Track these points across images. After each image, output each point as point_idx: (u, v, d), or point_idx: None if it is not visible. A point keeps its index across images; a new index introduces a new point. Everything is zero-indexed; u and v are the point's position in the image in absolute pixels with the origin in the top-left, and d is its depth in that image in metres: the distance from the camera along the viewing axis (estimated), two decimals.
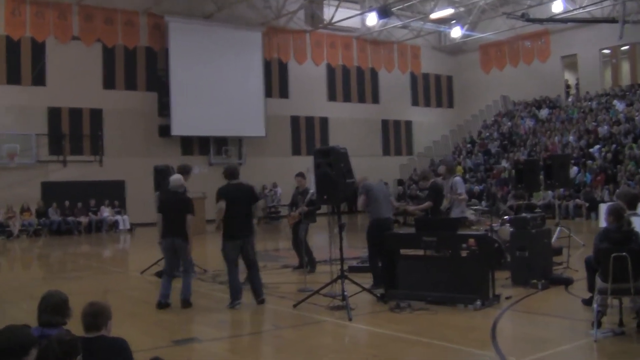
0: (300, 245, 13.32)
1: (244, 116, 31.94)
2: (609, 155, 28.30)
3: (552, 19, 31.85)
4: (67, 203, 27.29)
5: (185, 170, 13.08)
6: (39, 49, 28.09)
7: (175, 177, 10.76)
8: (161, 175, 13.75)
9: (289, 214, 14.21)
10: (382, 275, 10.62)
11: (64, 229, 26.74)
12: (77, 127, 28.93)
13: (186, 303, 10.09)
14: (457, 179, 12.22)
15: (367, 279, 10.82)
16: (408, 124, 39.79)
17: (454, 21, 37.72)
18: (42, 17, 28.15)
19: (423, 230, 10.14)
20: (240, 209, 10.01)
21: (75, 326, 4.69)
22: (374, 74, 38.49)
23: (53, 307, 4.79)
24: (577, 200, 26.24)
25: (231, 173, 10.31)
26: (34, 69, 27.89)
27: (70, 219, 27.05)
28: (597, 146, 29.59)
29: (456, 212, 11.99)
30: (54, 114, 28.38)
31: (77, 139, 28.84)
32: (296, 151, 34.97)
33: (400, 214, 25.19)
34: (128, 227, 28.09)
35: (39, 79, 28.03)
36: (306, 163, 31.20)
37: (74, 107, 28.85)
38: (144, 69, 30.72)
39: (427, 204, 12.28)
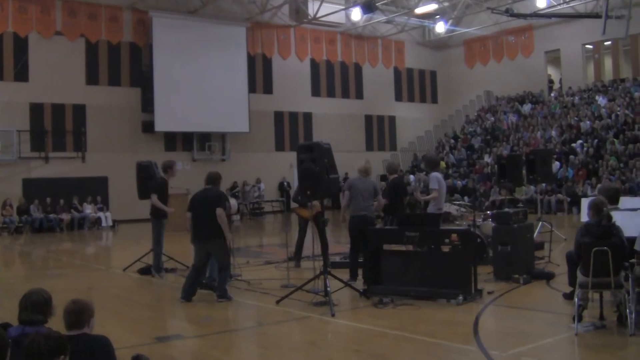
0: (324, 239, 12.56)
1: (228, 112, 31.89)
2: (591, 150, 28.49)
3: (536, 14, 31.94)
4: (48, 200, 27.09)
5: (167, 166, 13.11)
6: (21, 44, 27.86)
7: None
8: (144, 171, 13.70)
9: (310, 205, 12.87)
10: (356, 269, 10.88)
11: (46, 226, 26.53)
12: (60, 123, 28.73)
13: None
14: (433, 174, 12.14)
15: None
16: (392, 119, 39.85)
17: (438, 16, 37.82)
18: (25, 12, 27.92)
19: (406, 226, 10.16)
20: (203, 215, 10.19)
21: (56, 324, 4.67)
22: (357, 69, 38.50)
23: (34, 305, 4.74)
24: (559, 195, 26.40)
25: (207, 179, 10.54)
26: (17, 65, 27.66)
27: (52, 216, 26.85)
28: (579, 141, 29.77)
29: (430, 209, 11.95)
30: (36, 109, 28.16)
31: (59, 135, 28.65)
32: (280, 147, 34.95)
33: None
34: (110, 223, 27.96)
35: (21, 74, 27.80)
36: (290, 159, 31.42)
37: (57, 102, 28.64)
38: (127, 65, 30.56)
39: (382, 200, 11.92)
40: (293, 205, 13.90)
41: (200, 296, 10.37)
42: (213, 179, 10.51)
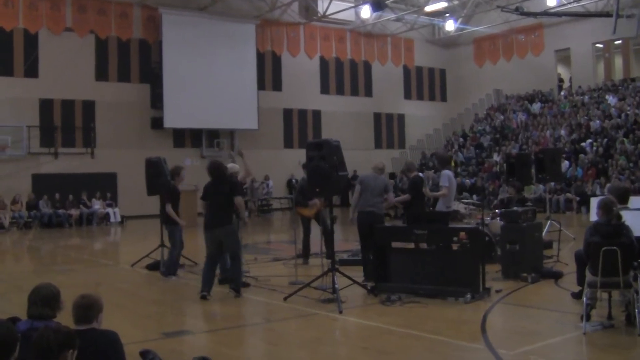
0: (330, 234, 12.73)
1: (237, 109, 31.91)
2: (600, 150, 28.39)
3: (546, 13, 31.89)
4: (57, 195, 27.16)
5: (175, 172, 13.06)
6: (31, 40, 27.95)
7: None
8: (153, 167, 13.71)
9: (314, 202, 12.92)
10: (370, 269, 10.70)
11: (55, 221, 26.60)
12: (69, 119, 28.83)
13: None
14: (444, 172, 12.17)
15: (357, 272, 10.84)
16: (400, 117, 39.81)
17: (448, 14, 37.74)
18: (35, 9, 28.00)
19: (414, 223, 10.16)
20: (216, 202, 10.40)
21: (65, 319, 4.68)
22: (367, 67, 38.47)
23: (43, 300, 4.75)
24: (568, 194, 26.32)
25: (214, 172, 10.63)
26: (27, 61, 27.76)
27: (61, 211, 26.92)
28: (589, 140, 29.67)
29: (439, 207, 11.98)
30: (46, 105, 28.26)
31: (69, 131, 28.74)
32: (288, 144, 34.97)
33: (391, 207, 25.25)
34: (119, 219, 28.03)
35: (31, 70, 27.90)
36: (298, 156, 31.41)
37: (66, 98, 28.74)
38: (137, 61, 30.61)
39: (405, 196, 12.29)
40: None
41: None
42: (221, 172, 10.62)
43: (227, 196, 10.28)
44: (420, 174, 13.50)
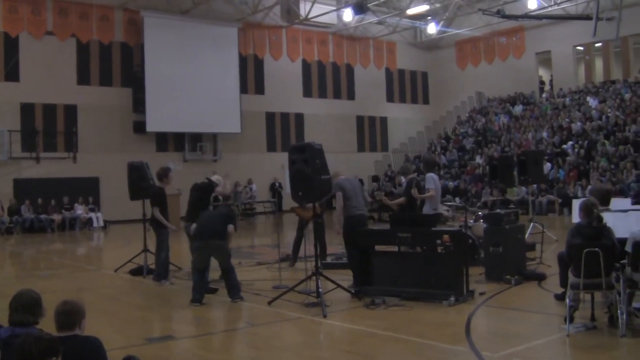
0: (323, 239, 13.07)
1: (220, 112, 31.85)
2: (582, 152, 28.57)
3: (528, 16, 32.05)
4: (40, 200, 26.97)
5: (163, 174, 12.87)
6: (12, 44, 27.74)
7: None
8: (136, 171, 13.65)
9: (310, 207, 13.16)
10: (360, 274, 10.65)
11: (37, 226, 26.42)
12: (51, 123, 28.64)
13: None
14: (428, 175, 12.19)
15: (341, 276, 10.84)
16: (383, 120, 39.88)
17: (430, 17, 37.87)
18: (16, 12, 27.81)
19: (398, 226, 10.16)
20: (208, 219, 10.46)
21: (47, 325, 4.65)
22: (349, 69, 38.51)
23: (24, 306, 4.72)
24: (550, 196, 26.46)
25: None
26: (7, 65, 27.55)
27: (43, 216, 26.74)
28: (570, 142, 29.85)
29: (426, 209, 11.99)
30: (27, 109, 28.04)
31: (50, 135, 28.55)
32: (271, 147, 34.93)
33: (374, 210, 25.31)
34: (102, 224, 27.86)
35: (12, 74, 27.68)
36: (281, 159, 31.35)
37: (48, 103, 28.55)
38: (119, 65, 30.47)
39: (401, 199, 12.43)
40: (293, 204, 13.85)
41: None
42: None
43: (220, 216, 10.29)
44: (402, 178, 13.56)
